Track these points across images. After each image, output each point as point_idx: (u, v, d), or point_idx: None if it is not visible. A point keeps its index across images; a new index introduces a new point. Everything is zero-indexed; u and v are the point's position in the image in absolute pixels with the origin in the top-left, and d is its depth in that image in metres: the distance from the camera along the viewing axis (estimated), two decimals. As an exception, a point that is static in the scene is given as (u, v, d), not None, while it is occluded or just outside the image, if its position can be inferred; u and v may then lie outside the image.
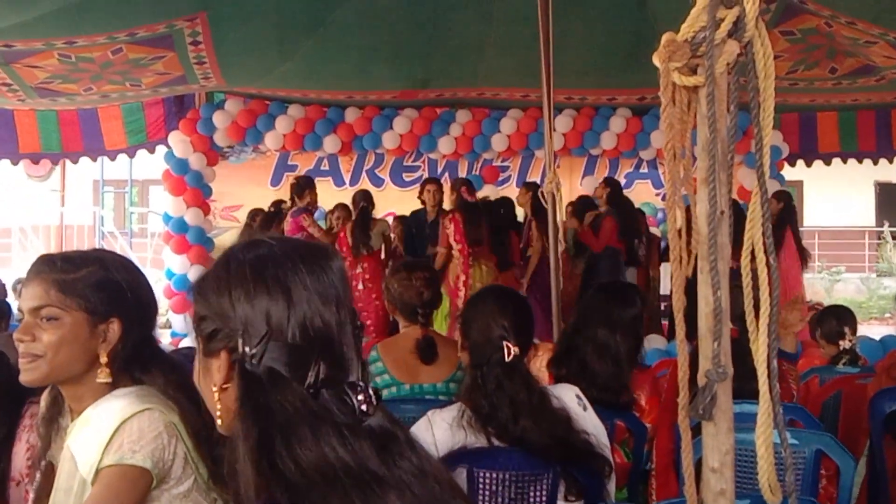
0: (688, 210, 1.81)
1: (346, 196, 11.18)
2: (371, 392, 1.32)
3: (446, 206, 9.04)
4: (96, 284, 2.00)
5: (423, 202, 9.24)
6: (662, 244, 10.11)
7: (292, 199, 9.10)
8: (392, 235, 9.56)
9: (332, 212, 9.58)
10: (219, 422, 1.36)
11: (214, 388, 1.35)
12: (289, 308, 1.31)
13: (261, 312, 1.31)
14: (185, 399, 1.95)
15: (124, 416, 1.87)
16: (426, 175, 12.20)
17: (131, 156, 10.63)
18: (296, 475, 1.21)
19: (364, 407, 1.29)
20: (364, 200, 9.08)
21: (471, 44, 8.04)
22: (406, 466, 1.29)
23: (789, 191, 9.97)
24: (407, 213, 9.98)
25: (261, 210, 9.83)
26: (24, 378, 1.99)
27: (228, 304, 1.33)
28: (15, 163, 9.63)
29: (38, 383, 2.03)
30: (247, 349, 1.30)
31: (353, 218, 8.99)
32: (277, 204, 9.46)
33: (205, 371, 1.39)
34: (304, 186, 9.18)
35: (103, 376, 1.98)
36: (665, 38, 1.72)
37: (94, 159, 10.48)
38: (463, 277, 8.06)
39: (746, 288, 1.70)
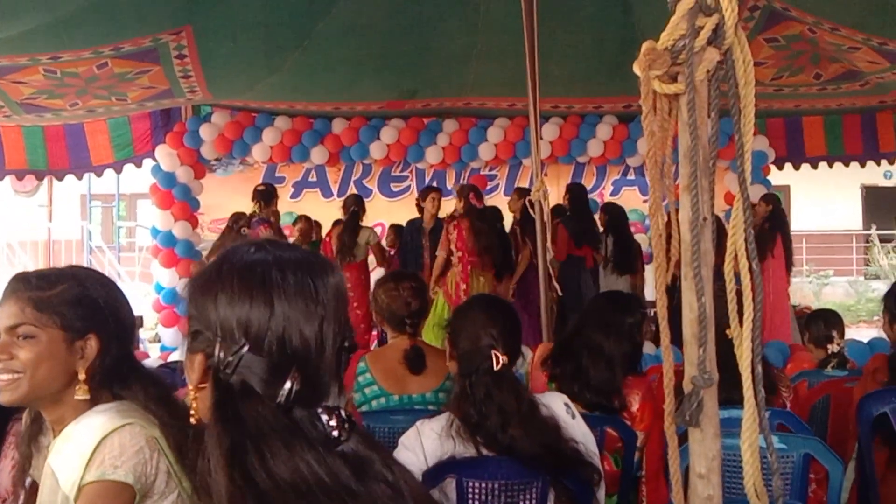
0: (668, 216, 1.82)
1: (334, 207, 11.20)
2: (345, 417, 1.29)
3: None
4: (72, 301, 1.99)
5: (420, 210, 9.14)
6: (649, 251, 10.11)
7: (259, 206, 8.70)
8: (384, 244, 9.53)
9: (295, 223, 9.58)
10: (192, 420, 1.35)
11: (191, 387, 1.34)
12: (269, 320, 1.29)
13: (240, 321, 1.29)
14: (166, 413, 1.95)
15: (105, 431, 1.87)
16: (414, 185, 12.23)
17: (118, 171, 10.60)
18: (268, 485, 1.19)
19: (335, 433, 1.27)
20: (355, 205, 8.95)
21: (457, 54, 8.06)
22: (381, 486, 1.27)
23: (776, 195, 10.02)
24: (394, 222, 9.97)
25: (243, 214, 9.68)
26: (4, 398, 1.98)
27: (212, 307, 1.31)
28: (0, 178, 9.58)
29: (17, 403, 2.01)
30: (222, 356, 1.28)
31: (343, 222, 8.92)
32: (238, 218, 9.15)
33: (189, 364, 1.36)
34: (271, 194, 8.90)
35: (81, 393, 1.97)
36: (645, 46, 1.73)
37: (80, 177, 10.44)
38: (463, 286, 8.01)
39: (730, 294, 1.70)
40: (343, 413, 1.30)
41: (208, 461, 1.25)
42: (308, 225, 9.41)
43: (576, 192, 9.33)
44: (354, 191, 12.28)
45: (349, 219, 8.85)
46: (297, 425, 1.25)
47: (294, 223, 9.77)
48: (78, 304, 1.99)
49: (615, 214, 9.39)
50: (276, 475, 1.20)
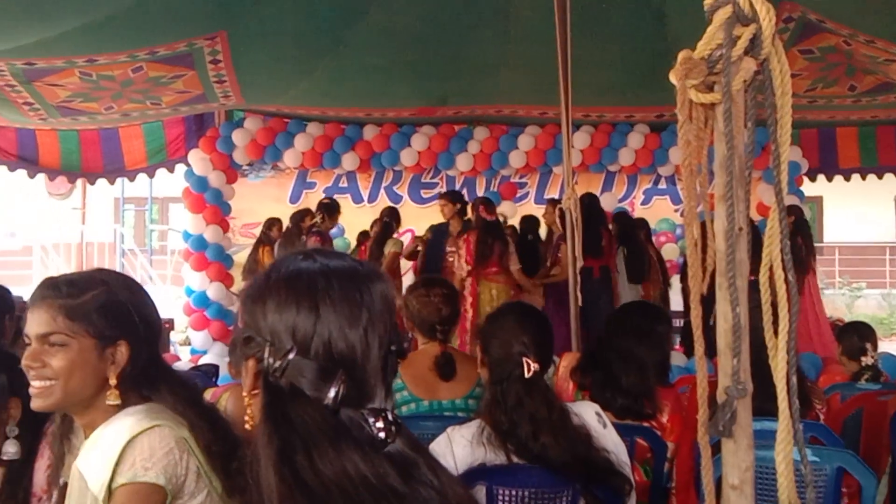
0: (703, 226, 1.81)
1: (364, 213, 11.26)
2: (392, 419, 1.32)
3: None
4: (102, 308, 2.00)
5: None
6: (680, 260, 10.07)
7: (322, 218, 9.12)
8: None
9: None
10: (247, 426, 1.38)
11: (245, 393, 1.38)
12: (315, 325, 1.32)
13: (287, 326, 1.33)
14: (195, 415, 1.97)
15: (133, 433, 1.89)
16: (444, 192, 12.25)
17: (151, 175, 10.69)
18: (316, 484, 1.22)
19: (382, 434, 1.29)
20: (389, 216, 9.16)
21: (489, 62, 8.06)
22: (426, 488, 1.30)
23: (808, 206, 9.95)
24: (424, 229, 9.97)
25: (277, 220, 9.90)
26: (37, 405, 2.00)
27: (261, 313, 1.36)
28: (32, 175, 9.63)
29: (50, 409, 2.04)
30: (271, 360, 1.32)
31: (374, 232, 9.08)
32: (302, 215, 9.49)
33: (244, 371, 1.39)
34: (335, 210, 9.31)
35: (113, 398, 1.99)
36: (681, 55, 1.73)
37: (112, 181, 10.49)
38: (469, 299, 8.01)
39: (765, 304, 1.70)
40: (389, 415, 1.32)
41: (257, 459, 1.28)
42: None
43: (585, 202, 9.28)
44: (385, 197, 12.35)
45: (381, 230, 9.03)
46: (344, 427, 1.28)
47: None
48: (108, 311, 2.01)
49: (625, 224, 9.34)
50: (324, 475, 1.23)
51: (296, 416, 1.27)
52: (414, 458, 1.33)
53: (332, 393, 1.29)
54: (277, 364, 1.31)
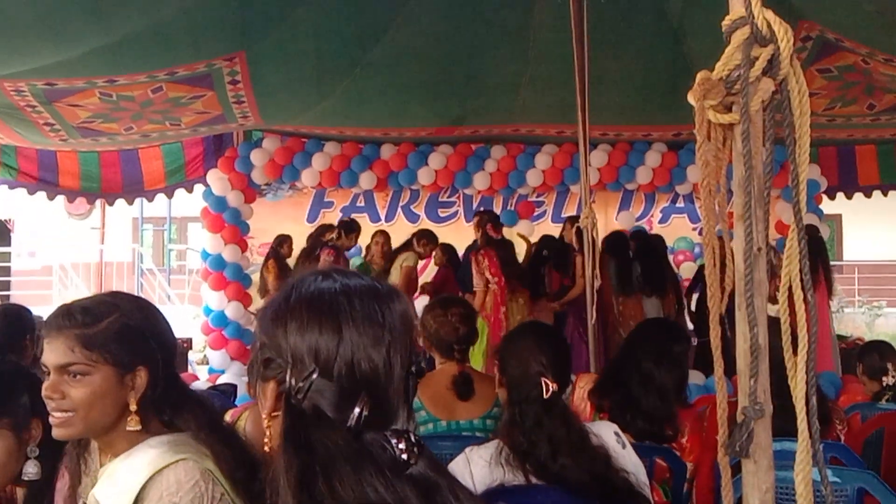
0: (721, 244, 1.81)
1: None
2: (414, 441, 1.31)
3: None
4: (119, 335, 2.00)
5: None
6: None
7: (338, 235, 9.27)
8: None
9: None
10: (266, 448, 1.36)
11: (264, 415, 1.37)
12: (338, 346, 1.32)
13: (310, 347, 1.32)
14: (216, 441, 1.97)
15: (156, 467, 1.89)
16: (461, 211, 12.26)
17: (169, 196, 10.70)
18: None
19: (405, 456, 1.28)
20: (419, 236, 9.44)
21: (507, 81, 8.08)
22: None
23: (827, 224, 9.89)
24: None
25: (287, 237, 10.00)
26: (58, 434, 2.01)
27: (282, 334, 1.35)
28: (51, 197, 9.70)
29: (72, 438, 2.05)
30: (293, 382, 1.31)
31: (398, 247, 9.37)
32: (323, 230, 9.62)
33: (262, 393, 1.39)
34: (352, 229, 9.44)
35: (133, 424, 1.99)
36: (700, 76, 1.73)
37: (131, 202, 10.51)
38: (503, 309, 8.12)
39: (784, 325, 1.69)
40: (412, 437, 1.31)
41: (275, 484, 1.27)
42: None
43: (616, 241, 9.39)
44: (402, 216, 12.40)
45: (401, 245, 9.30)
46: (366, 449, 1.27)
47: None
48: (125, 337, 2.01)
49: (643, 240, 9.37)
50: (344, 501, 1.22)
51: (317, 439, 1.26)
52: (436, 480, 1.32)
53: (354, 415, 1.28)
54: (300, 385, 1.30)
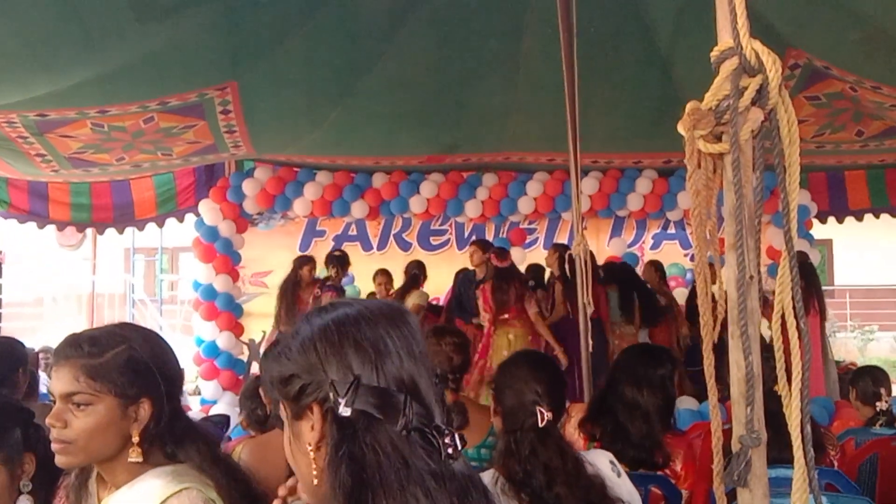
0: (713, 269, 1.82)
1: (373, 260, 11.29)
2: (456, 436, 1.35)
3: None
4: (124, 367, 2.01)
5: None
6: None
7: (336, 272, 9.25)
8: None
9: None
10: (314, 483, 1.36)
11: (310, 447, 1.37)
12: (375, 361, 1.35)
13: (347, 365, 1.35)
14: (220, 472, 1.97)
15: (162, 496, 1.89)
16: (453, 239, 12.28)
17: (160, 225, 10.69)
18: None
19: (450, 450, 1.32)
20: (416, 269, 9.53)
21: (497, 109, 8.12)
22: None
23: (818, 249, 9.92)
24: (435, 276, 10.02)
25: (310, 258, 9.99)
26: (60, 462, 2.01)
27: (316, 358, 1.37)
28: (41, 227, 9.68)
29: (74, 467, 2.06)
30: (338, 396, 1.33)
31: (402, 285, 9.39)
32: (302, 262, 9.56)
33: (296, 437, 1.41)
34: (345, 261, 9.48)
35: (135, 455, 1.99)
36: (689, 106, 1.74)
37: (121, 231, 10.47)
38: (489, 351, 8.18)
39: (778, 352, 1.70)
40: (454, 433, 1.35)
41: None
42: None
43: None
44: (395, 244, 12.39)
45: (406, 282, 9.37)
46: (413, 452, 1.30)
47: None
48: (130, 369, 2.01)
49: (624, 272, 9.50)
50: None
51: (367, 446, 1.29)
52: (474, 477, 1.37)
53: (403, 415, 1.32)
54: (346, 396, 1.32)
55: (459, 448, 1.34)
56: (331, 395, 1.33)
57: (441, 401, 1.41)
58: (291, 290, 9.16)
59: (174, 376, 2.12)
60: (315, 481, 1.36)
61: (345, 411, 1.31)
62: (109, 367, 1.99)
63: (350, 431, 1.31)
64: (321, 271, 9.49)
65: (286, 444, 1.44)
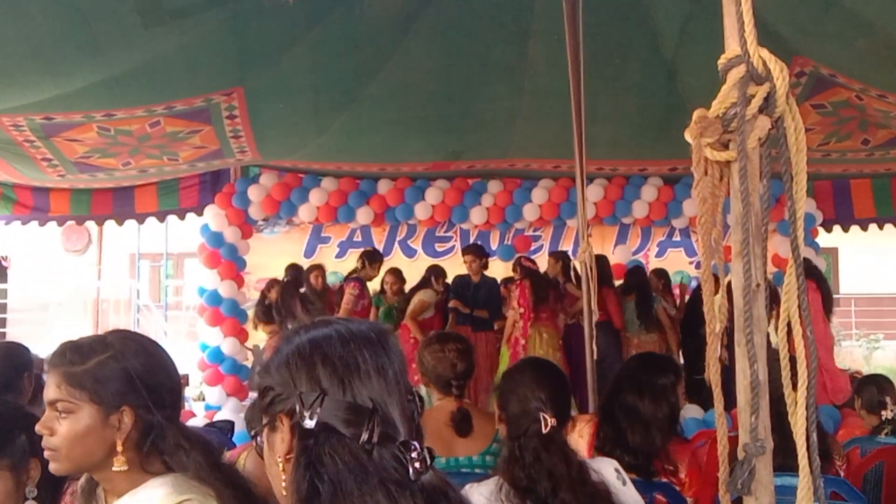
0: (717, 279, 1.82)
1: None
2: (425, 451, 1.35)
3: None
4: (102, 376, 2.01)
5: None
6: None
7: (362, 264, 9.60)
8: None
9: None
10: (284, 493, 1.38)
11: (279, 459, 1.39)
12: (344, 377, 1.37)
13: (316, 380, 1.37)
14: (218, 481, 1.97)
15: None
16: (458, 245, 12.29)
17: (161, 220, 10.68)
18: None
19: (417, 465, 1.33)
20: (431, 273, 9.69)
21: (502, 117, 8.12)
22: None
23: (824, 258, 9.91)
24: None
25: (296, 265, 10.10)
26: (52, 469, 2.03)
27: (288, 374, 1.40)
28: (42, 223, 9.70)
29: (64, 473, 2.07)
30: (303, 404, 1.35)
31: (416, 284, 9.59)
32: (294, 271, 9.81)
33: (270, 448, 1.43)
34: (374, 258, 9.78)
35: (119, 464, 1.99)
36: (696, 114, 1.74)
37: (121, 223, 10.39)
38: (522, 342, 8.50)
39: (784, 360, 1.69)
40: (422, 448, 1.36)
41: None
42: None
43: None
44: (399, 251, 12.41)
45: (420, 282, 9.59)
46: (375, 465, 1.32)
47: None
48: (109, 378, 2.01)
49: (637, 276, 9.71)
50: None
51: (326, 455, 1.31)
52: (443, 489, 1.38)
53: (366, 430, 1.33)
54: (312, 405, 1.35)
55: (428, 463, 1.35)
56: (297, 406, 1.36)
57: (411, 418, 1.41)
58: (290, 297, 9.33)
59: (161, 385, 2.09)
60: (284, 492, 1.38)
61: (309, 423, 1.34)
62: (88, 375, 1.99)
63: (312, 442, 1.33)
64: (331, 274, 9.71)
65: (266, 460, 1.47)
